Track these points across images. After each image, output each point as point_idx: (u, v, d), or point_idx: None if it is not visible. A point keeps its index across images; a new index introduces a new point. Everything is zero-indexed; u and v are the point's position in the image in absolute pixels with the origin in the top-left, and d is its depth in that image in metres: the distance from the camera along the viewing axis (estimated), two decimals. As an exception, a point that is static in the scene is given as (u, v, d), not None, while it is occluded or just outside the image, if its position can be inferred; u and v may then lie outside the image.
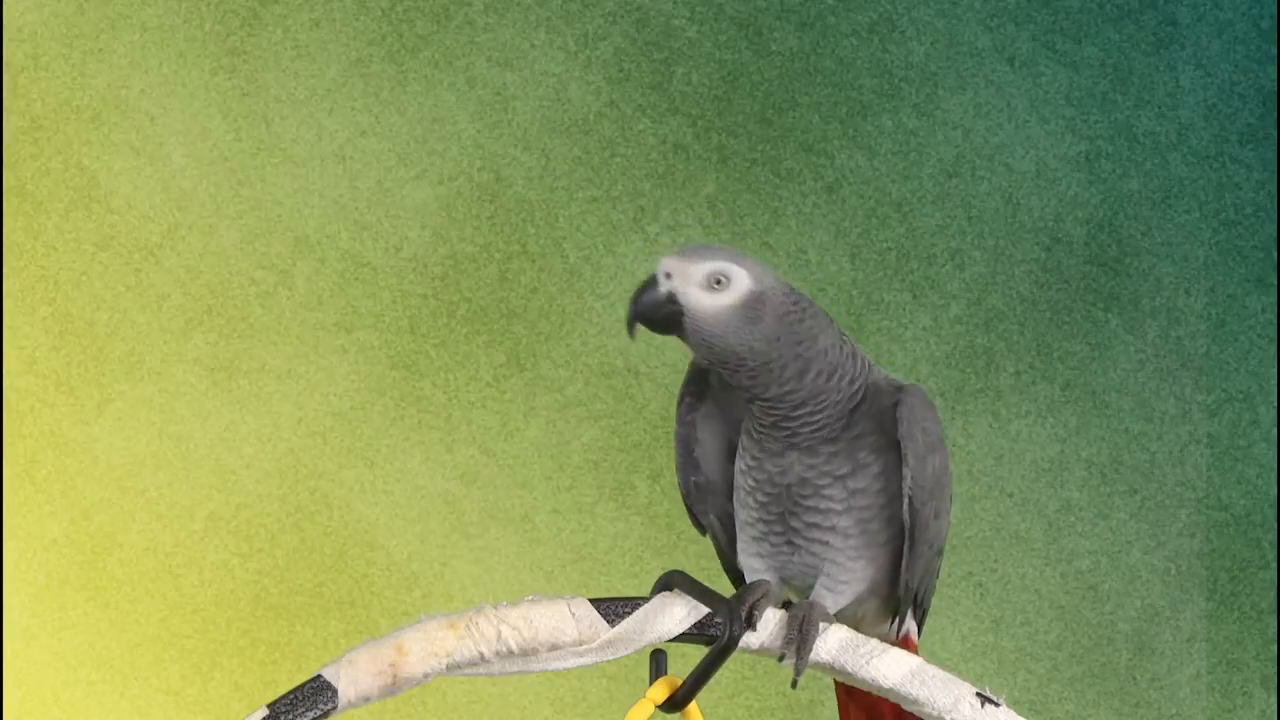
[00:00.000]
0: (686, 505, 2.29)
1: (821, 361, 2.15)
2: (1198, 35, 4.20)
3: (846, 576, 2.18)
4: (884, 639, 2.25)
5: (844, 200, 3.98)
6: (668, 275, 2.13)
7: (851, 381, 2.17)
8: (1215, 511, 4.15)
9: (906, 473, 2.15)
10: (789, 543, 2.19)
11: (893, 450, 2.17)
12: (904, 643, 2.27)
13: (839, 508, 2.16)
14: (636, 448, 3.82)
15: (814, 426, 2.16)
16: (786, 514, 2.18)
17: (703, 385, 2.26)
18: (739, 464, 2.22)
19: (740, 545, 2.23)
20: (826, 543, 2.17)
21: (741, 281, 2.14)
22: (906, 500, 2.15)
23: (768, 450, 2.18)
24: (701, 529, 2.29)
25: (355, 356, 3.70)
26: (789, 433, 2.16)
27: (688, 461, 2.28)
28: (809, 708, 3.87)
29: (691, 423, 2.27)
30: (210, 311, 3.64)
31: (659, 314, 2.13)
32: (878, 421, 2.16)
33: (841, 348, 2.18)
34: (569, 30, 3.84)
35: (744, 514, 2.21)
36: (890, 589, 2.21)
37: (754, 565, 2.22)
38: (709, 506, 2.27)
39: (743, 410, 2.21)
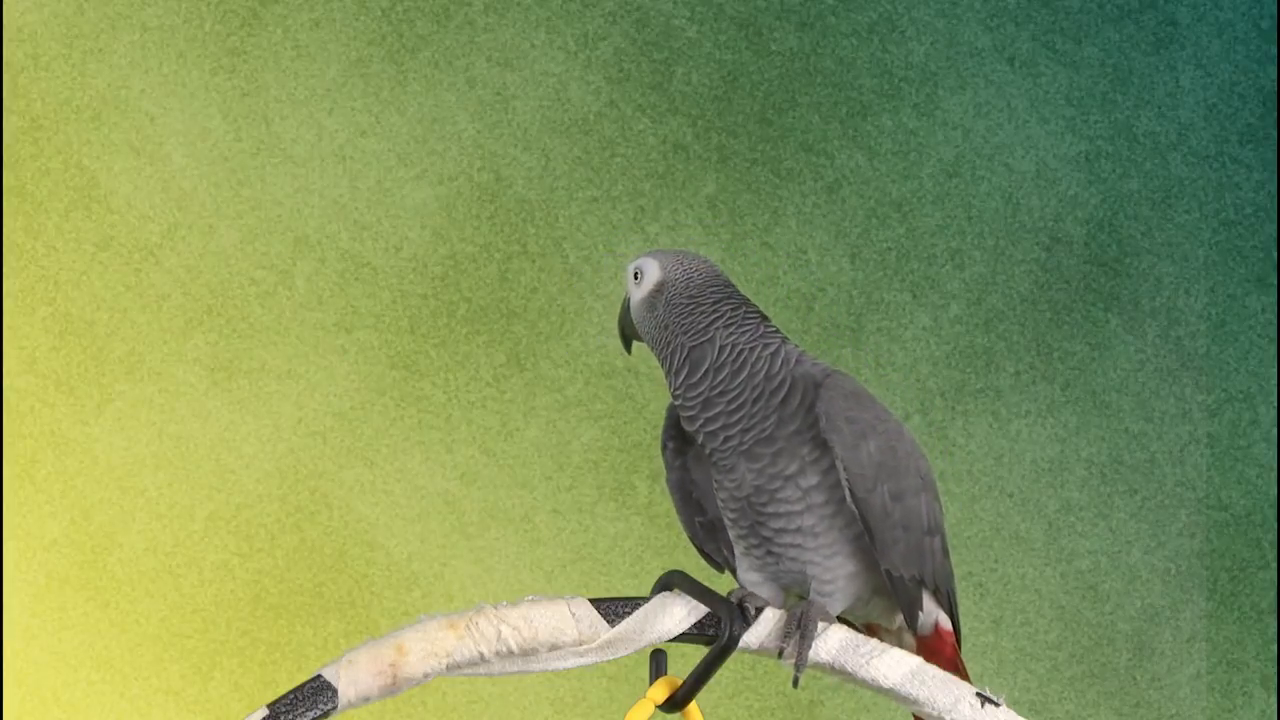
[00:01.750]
0: (696, 546, 2.29)
1: (715, 356, 2.18)
2: (1198, 35, 4.20)
3: (830, 575, 2.17)
4: (909, 634, 2.24)
5: (844, 200, 3.98)
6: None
7: (769, 378, 2.17)
8: (1215, 511, 4.15)
9: (838, 464, 2.15)
10: (769, 552, 2.19)
11: None
12: (937, 636, 2.26)
13: (798, 508, 2.17)
14: (636, 448, 3.82)
15: (737, 427, 2.17)
16: (755, 524, 2.18)
17: (681, 427, 2.27)
18: (713, 485, 2.23)
19: (737, 562, 2.23)
20: (799, 545, 2.17)
21: (651, 273, 2.23)
22: (847, 490, 2.15)
23: (721, 466, 2.19)
24: (718, 566, 2.29)
25: (355, 356, 3.70)
26: (719, 438, 2.17)
27: (688, 504, 2.28)
28: (809, 708, 3.87)
29: (682, 466, 2.28)
30: (210, 311, 3.64)
31: (621, 318, 2.28)
32: (812, 416, 2.17)
33: (755, 348, 2.18)
34: (569, 30, 3.84)
35: (729, 532, 2.23)
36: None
37: (752, 579, 2.22)
38: (720, 543, 2.28)
39: None
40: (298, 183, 3.70)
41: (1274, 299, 4.18)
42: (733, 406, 2.17)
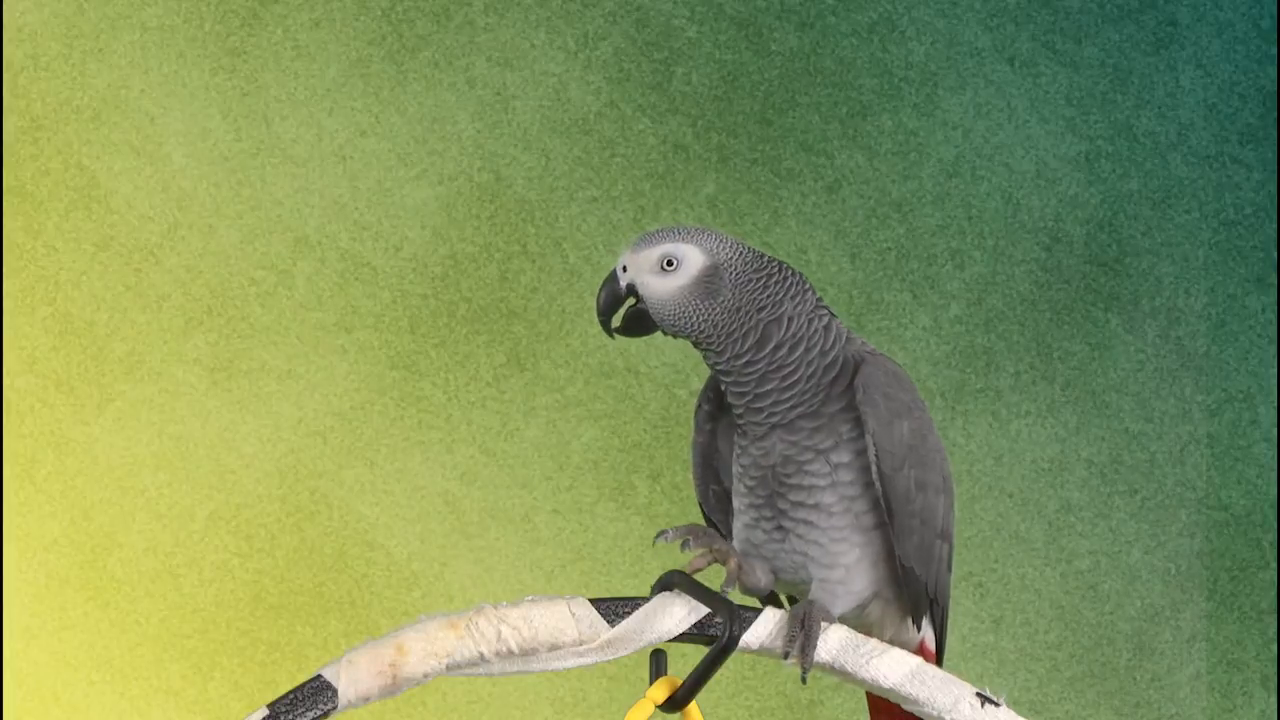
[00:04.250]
0: (704, 513, 2.27)
1: (783, 331, 2.14)
2: (1198, 35, 4.20)
3: (830, 561, 2.15)
4: (907, 646, 2.23)
5: (844, 200, 3.98)
6: (624, 269, 2.16)
7: (823, 354, 2.15)
8: (1215, 511, 4.15)
9: (868, 438, 2.13)
10: (779, 527, 2.17)
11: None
12: (919, 653, 2.24)
13: (822, 483, 2.15)
14: (636, 448, 3.82)
15: (787, 404, 2.15)
16: (774, 495, 2.16)
17: (721, 394, 2.24)
18: (734, 452, 2.21)
19: (735, 532, 2.22)
20: (810, 522, 2.15)
21: (693, 258, 2.15)
22: (874, 466, 2.13)
23: (751, 435, 2.17)
24: (721, 535, 2.28)
25: (355, 356, 3.70)
26: (765, 413, 2.15)
27: (706, 471, 2.26)
28: (809, 708, 3.87)
29: (711, 432, 2.25)
30: (210, 311, 3.64)
31: (620, 307, 2.16)
32: (850, 397, 2.15)
33: (812, 320, 2.16)
34: (569, 30, 3.84)
35: (738, 501, 2.20)
36: (896, 589, 2.20)
37: (747, 550, 2.21)
38: (728, 514, 2.26)
39: None
40: (298, 183, 3.70)
41: (1274, 299, 4.18)
42: (787, 383, 2.14)
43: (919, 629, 2.22)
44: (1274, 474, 4.17)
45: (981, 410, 4.03)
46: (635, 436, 3.82)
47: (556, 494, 3.78)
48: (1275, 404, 4.17)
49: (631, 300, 2.18)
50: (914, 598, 2.18)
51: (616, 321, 2.19)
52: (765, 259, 2.16)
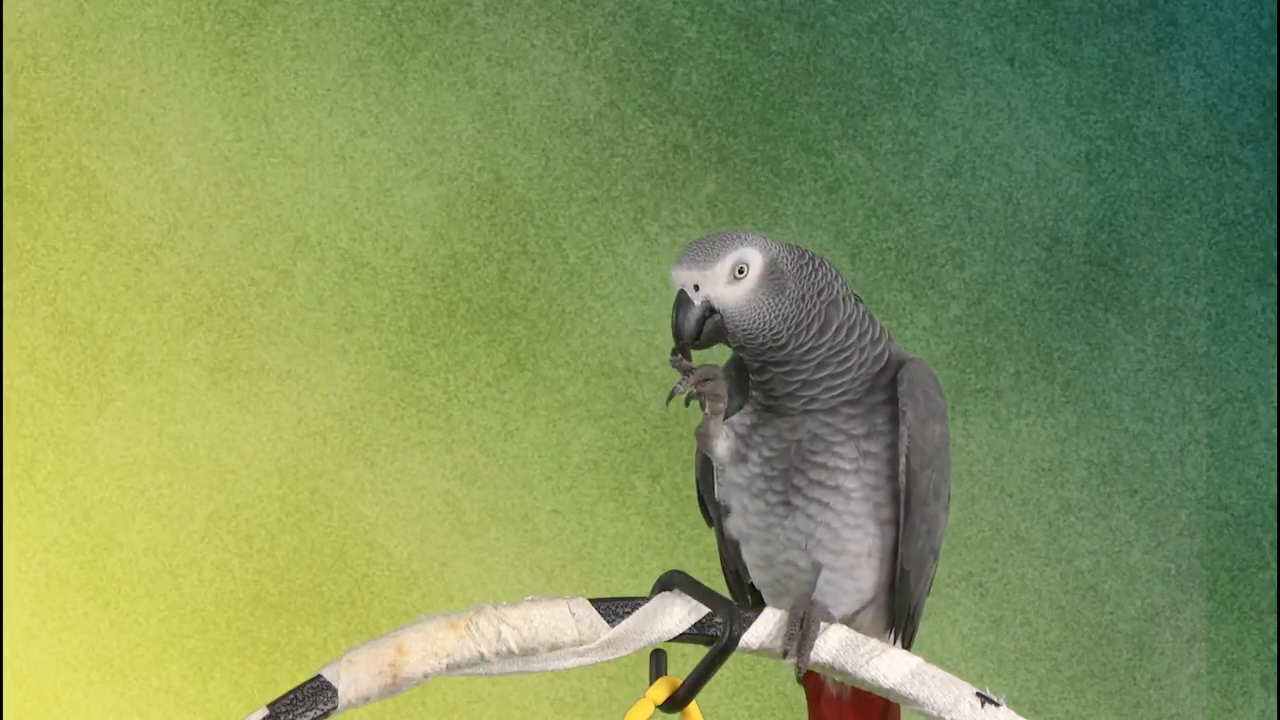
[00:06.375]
0: (699, 491, 2.26)
1: (842, 313, 2.14)
2: (1198, 35, 4.20)
3: (838, 547, 2.16)
4: None
5: (844, 200, 3.98)
6: (695, 287, 2.14)
7: (874, 342, 2.16)
8: (1215, 511, 4.15)
9: (903, 430, 2.14)
10: (785, 502, 2.17)
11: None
12: None
13: (848, 467, 2.15)
14: (636, 448, 3.82)
15: (837, 390, 2.14)
16: (791, 470, 2.16)
17: (739, 370, 2.22)
18: (739, 422, 2.20)
19: (735, 508, 2.21)
20: (826, 504, 2.15)
21: (756, 259, 2.14)
22: (904, 459, 2.14)
23: (778, 411, 2.17)
24: (708, 519, 2.27)
25: (355, 356, 3.70)
26: (806, 399, 2.15)
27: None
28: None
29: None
30: (210, 311, 3.64)
31: (705, 328, 2.14)
32: (892, 391, 2.16)
33: (857, 304, 2.17)
34: (569, 30, 3.84)
35: (742, 470, 2.19)
36: (888, 595, 2.20)
37: (739, 525, 2.20)
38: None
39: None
40: (298, 183, 3.70)
41: (1274, 299, 4.18)
42: (843, 368, 2.14)
43: (895, 642, 2.23)
44: (1274, 474, 4.17)
45: (981, 410, 4.03)
46: (635, 436, 3.82)
47: (556, 494, 3.78)
48: (1275, 404, 4.17)
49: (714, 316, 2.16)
50: (902, 605, 2.19)
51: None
52: (797, 247, 2.16)
